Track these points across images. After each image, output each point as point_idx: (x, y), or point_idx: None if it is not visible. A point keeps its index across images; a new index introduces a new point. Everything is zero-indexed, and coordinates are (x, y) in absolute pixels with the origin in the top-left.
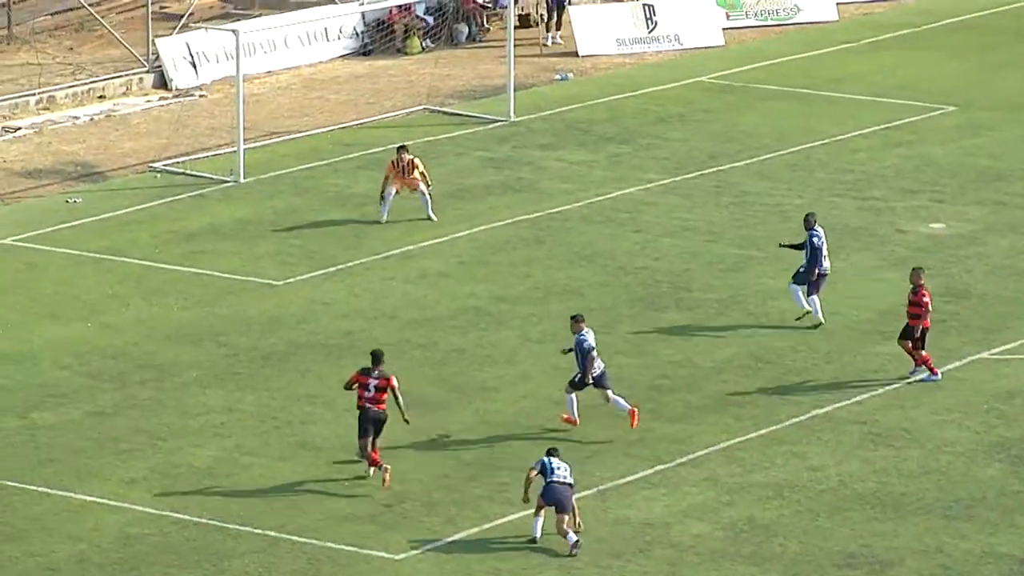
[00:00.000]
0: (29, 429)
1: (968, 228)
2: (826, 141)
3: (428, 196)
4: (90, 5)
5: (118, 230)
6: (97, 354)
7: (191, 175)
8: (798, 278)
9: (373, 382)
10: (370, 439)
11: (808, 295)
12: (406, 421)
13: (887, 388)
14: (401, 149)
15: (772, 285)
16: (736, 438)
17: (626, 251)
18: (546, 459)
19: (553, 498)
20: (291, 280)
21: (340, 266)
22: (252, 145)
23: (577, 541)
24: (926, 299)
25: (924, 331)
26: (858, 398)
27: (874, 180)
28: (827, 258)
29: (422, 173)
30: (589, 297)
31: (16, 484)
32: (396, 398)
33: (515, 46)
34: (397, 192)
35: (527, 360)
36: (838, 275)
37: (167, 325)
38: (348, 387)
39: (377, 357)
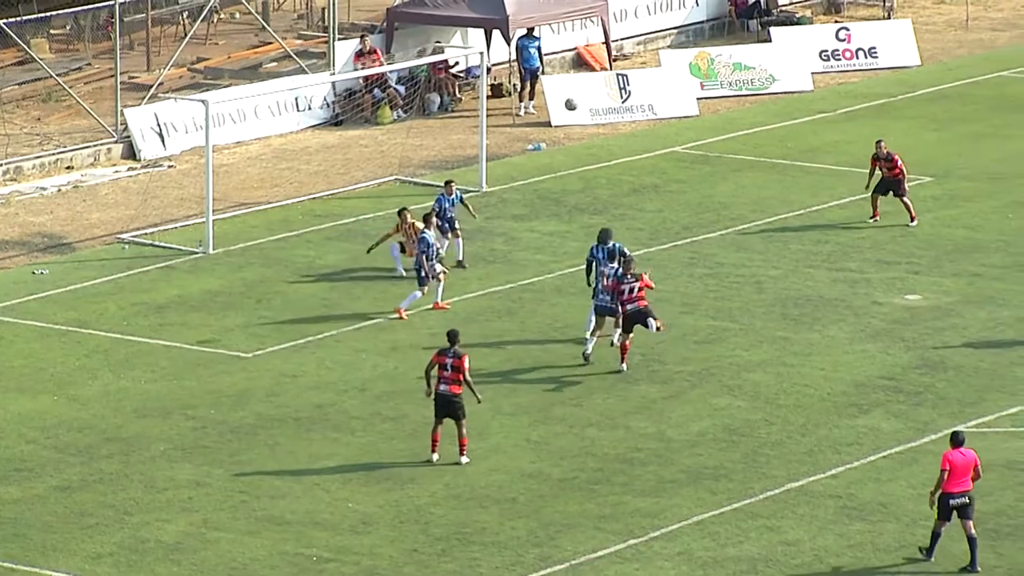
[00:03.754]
0: None
1: (944, 300)
2: (801, 212)
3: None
4: (58, 75)
5: (86, 302)
6: (64, 427)
7: (159, 246)
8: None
9: (449, 360)
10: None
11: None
12: (478, 401)
13: (862, 461)
14: (403, 211)
15: (747, 357)
16: (710, 512)
17: None
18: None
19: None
20: (260, 352)
21: (310, 338)
22: (221, 216)
23: None
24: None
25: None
26: (833, 471)
27: (849, 251)
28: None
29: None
30: (562, 369)
31: None
32: (466, 380)
33: (487, 116)
34: (404, 253)
35: (499, 433)
36: (812, 347)
37: (135, 398)
38: (428, 371)
39: (452, 337)
